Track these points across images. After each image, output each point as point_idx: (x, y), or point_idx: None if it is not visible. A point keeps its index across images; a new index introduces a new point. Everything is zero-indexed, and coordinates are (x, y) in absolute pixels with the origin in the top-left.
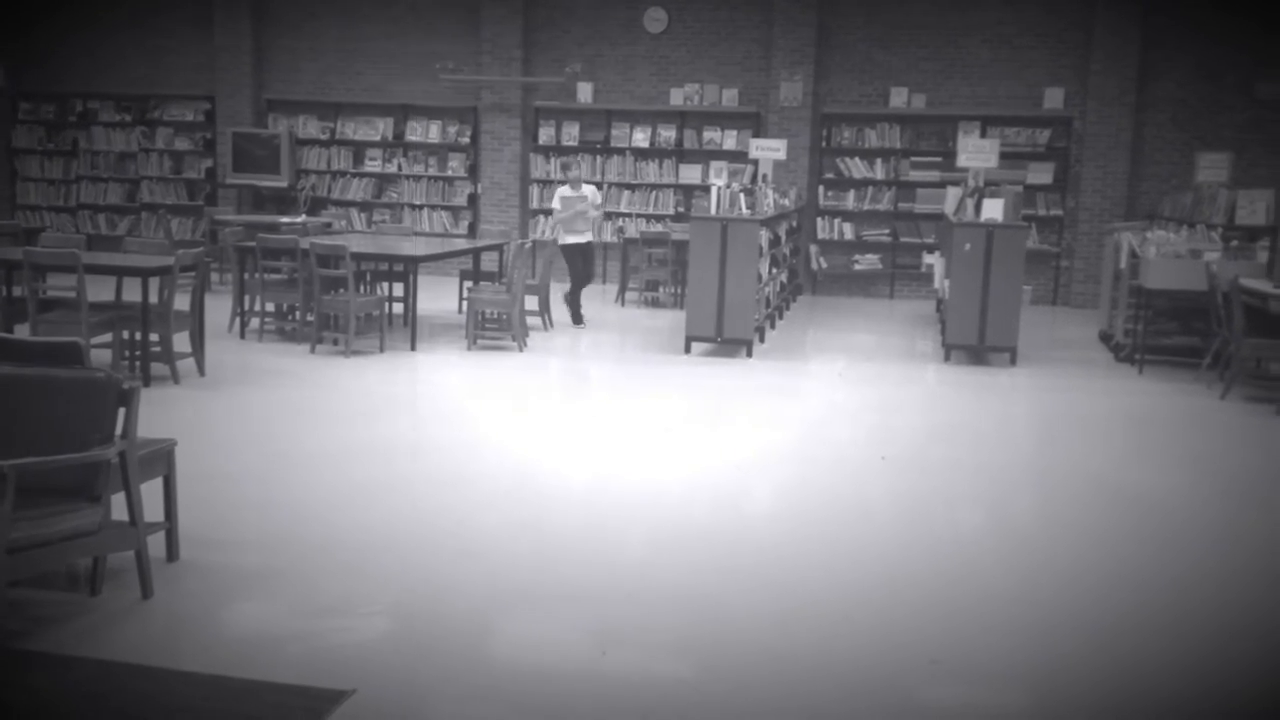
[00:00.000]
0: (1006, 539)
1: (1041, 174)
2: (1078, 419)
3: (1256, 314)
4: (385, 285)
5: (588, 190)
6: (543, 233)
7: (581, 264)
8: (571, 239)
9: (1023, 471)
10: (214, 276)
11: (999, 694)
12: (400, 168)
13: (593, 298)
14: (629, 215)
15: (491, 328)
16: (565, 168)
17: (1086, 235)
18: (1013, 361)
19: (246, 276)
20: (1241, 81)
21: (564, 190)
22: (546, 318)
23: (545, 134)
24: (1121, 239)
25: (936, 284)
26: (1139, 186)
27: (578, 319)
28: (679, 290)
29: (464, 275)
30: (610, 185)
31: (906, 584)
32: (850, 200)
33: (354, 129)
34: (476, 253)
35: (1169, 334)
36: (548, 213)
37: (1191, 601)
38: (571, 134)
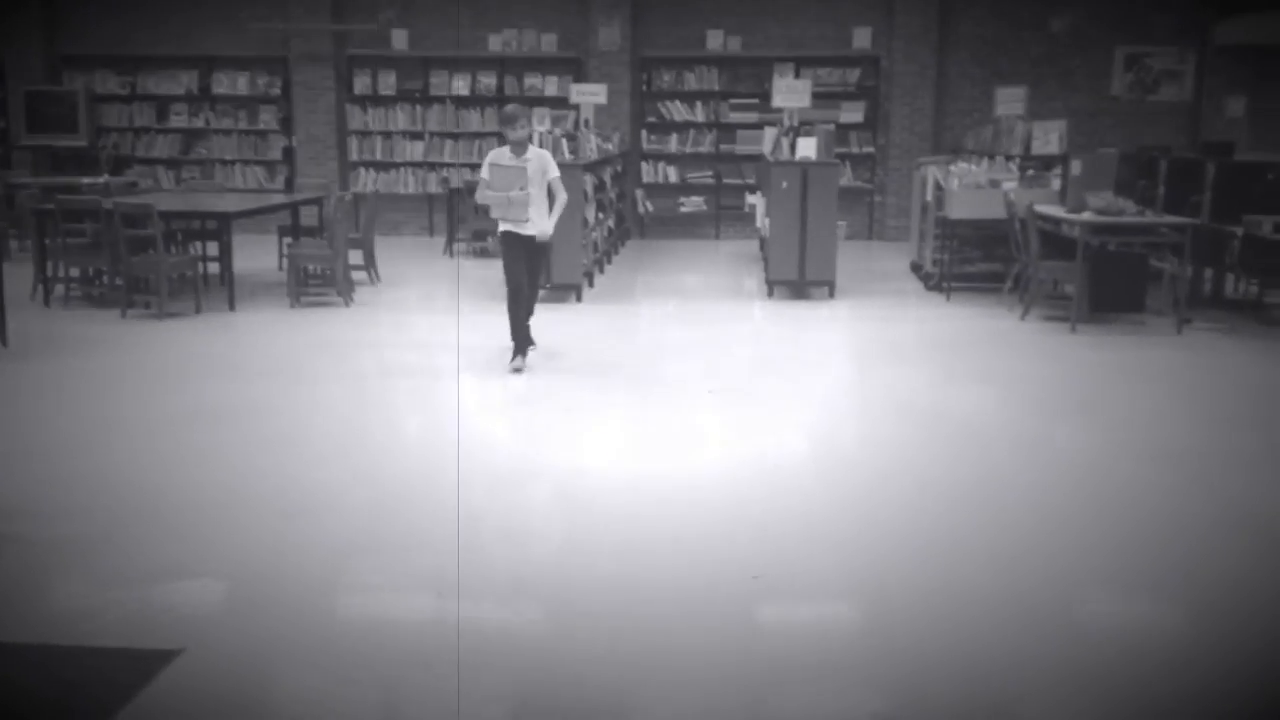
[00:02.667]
0: (828, 460)
1: (853, 113)
2: (892, 345)
3: (1051, 238)
4: (199, 245)
5: (534, 156)
6: (363, 186)
7: (523, 266)
8: (506, 227)
9: (842, 396)
10: (13, 244)
11: (822, 605)
12: (208, 122)
13: (420, 250)
14: (453, 165)
15: (315, 284)
16: (508, 121)
17: (897, 171)
18: (831, 295)
19: (47, 242)
20: (1035, 17)
21: (496, 155)
22: (372, 272)
23: (360, 84)
24: (927, 173)
25: (758, 223)
26: (944, 122)
27: (521, 344)
28: None
29: (282, 231)
30: (431, 135)
31: (734, 506)
32: (673, 143)
33: (156, 83)
34: (295, 207)
35: (973, 261)
36: (369, 165)
37: (1001, 506)
38: (388, 83)
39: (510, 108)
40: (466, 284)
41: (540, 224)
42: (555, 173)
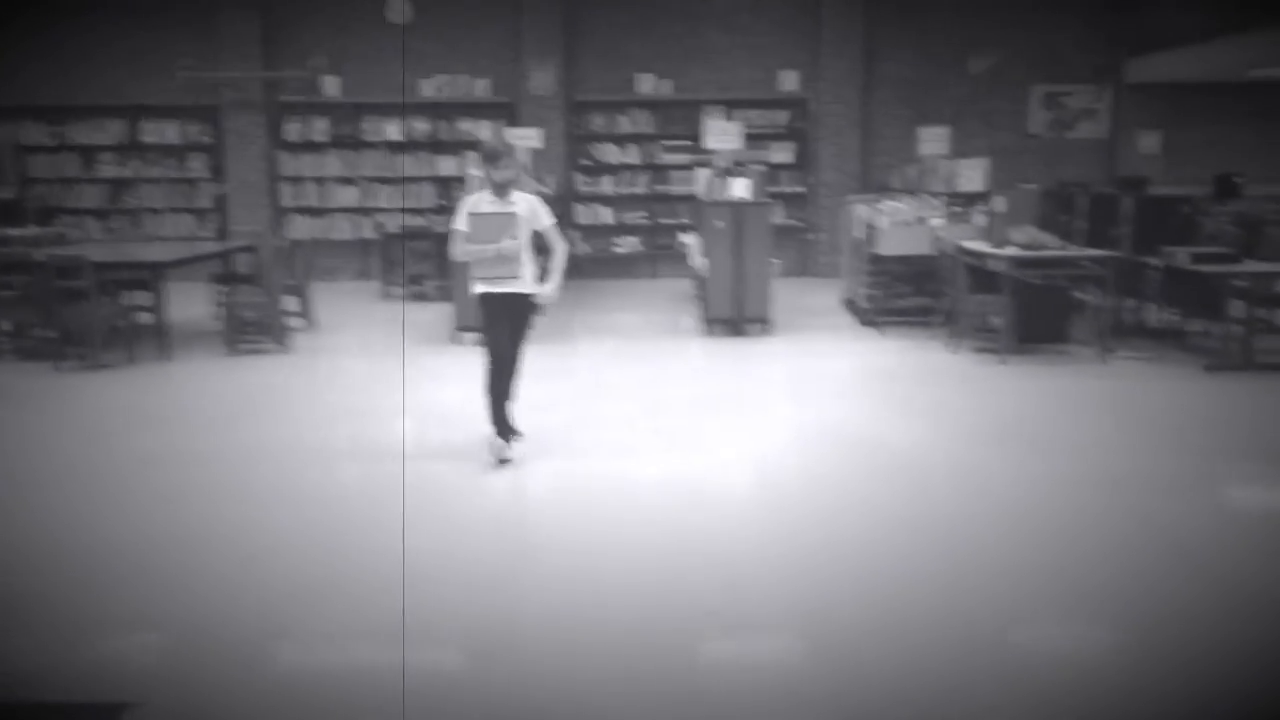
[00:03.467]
0: (771, 492)
1: (783, 153)
2: (830, 380)
3: (978, 273)
4: (130, 295)
5: (521, 203)
6: (297, 232)
7: (506, 335)
8: (489, 288)
9: (783, 430)
10: None
11: (770, 638)
12: (136, 171)
13: (356, 296)
14: (387, 210)
15: (251, 332)
16: (491, 158)
17: (827, 209)
18: (768, 331)
19: None
20: (956, 59)
21: (474, 201)
22: (309, 318)
23: (292, 130)
24: (857, 211)
25: (694, 262)
26: (871, 161)
27: (503, 430)
28: (444, 283)
29: (216, 279)
30: (365, 180)
31: (684, 544)
32: (607, 185)
33: (84, 132)
34: (228, 255)
35: (904, 296)
36: (303, 211)
37: (940, 533)
38: (320, 129)
39: (492, 142)
40: (406, 327)
41: (534, 283)
42: (549, 220)
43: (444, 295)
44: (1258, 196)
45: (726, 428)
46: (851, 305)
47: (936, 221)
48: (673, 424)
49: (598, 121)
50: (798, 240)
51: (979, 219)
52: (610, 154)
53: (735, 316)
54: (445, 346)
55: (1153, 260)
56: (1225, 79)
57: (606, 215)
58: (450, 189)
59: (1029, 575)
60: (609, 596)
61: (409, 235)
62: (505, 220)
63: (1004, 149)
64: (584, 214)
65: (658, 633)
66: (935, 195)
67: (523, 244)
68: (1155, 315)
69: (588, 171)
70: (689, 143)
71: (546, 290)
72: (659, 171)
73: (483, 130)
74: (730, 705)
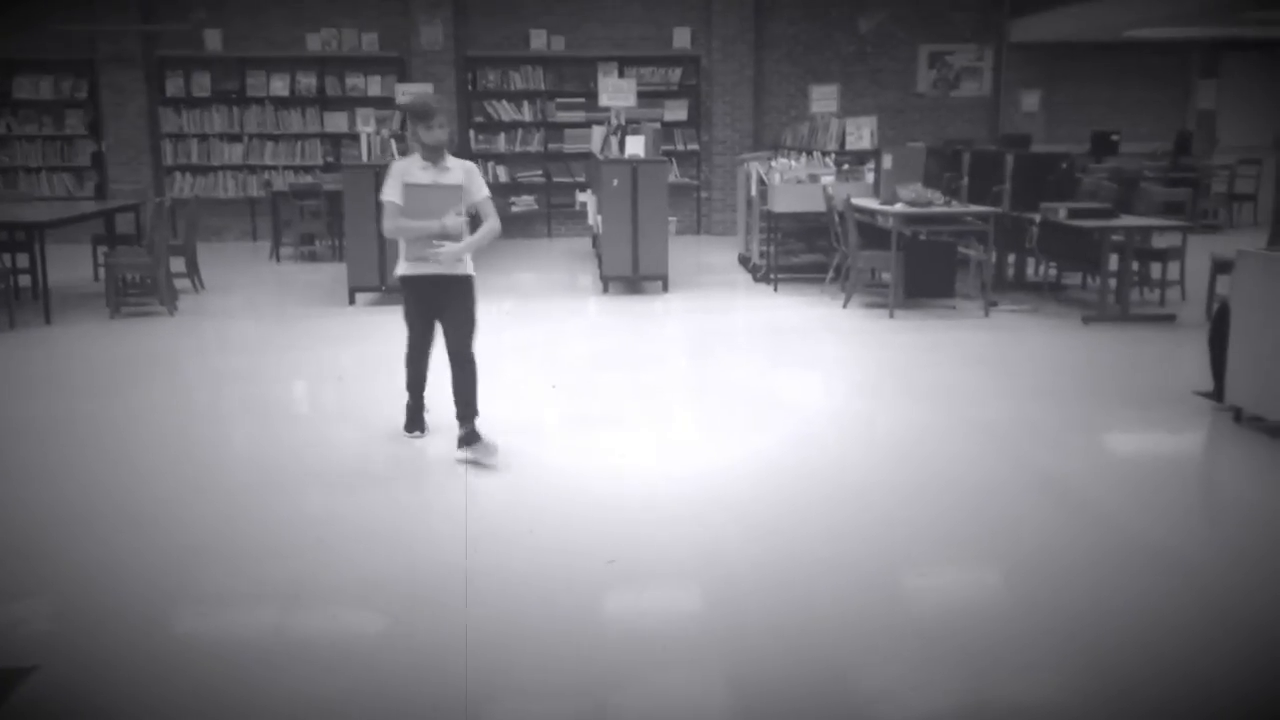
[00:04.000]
0: (667, 445)
1: (677, 111)
2: (726, 335)
3: (868, 229)
4: (8, 257)
5: (456, 167)
6: (180, 191)
7: (426, 318)
8: (414, 269)
9: (680, 385)
10: None
11: (670, 587)
12: (10, 128)
13: (243, 256)
14: (275, 168)
15: (135, 294)
16: (421, 116)
17: (721, 167)
18: (665, 288)
19: None
20: (845, 18)
21: (403, 168)
22: (196, 279)
23: (173, 86)
24: (750, 169)
25: (590, 220)
26: (763, 119)
27: (415, 419)
28: (336, 242)
29: (97, 240)
30: (250, 137)
31: (581, 496)
32: (501, 143)
33: None
34: (109, 214)
35: (797, 253)
36: (186, 169)
37: (833, 481)
38: (203, 85)
39: (421, 97)
40: (296, 288)
41: (443, 262)
42: (485, 191)
43: (337, 255)
44: (1133, 154)
45: (624, 384)
46: (746, 262)
47: (828, 179)
48: (571, 381)
49: (490, 78)
50: (692, 198)
51: (869, 176)
52: (504, 111)
53: (632, 274)
54: (340, 308)
55: (1032, 216)
56: (1102, 39)
57: (501, 173)
58: (339, 145)
59: (915, 519)
60: (515, 547)
61: (298, 193)
62: (448, 194)
63: (892, 107)
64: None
65: (555, 580)
66: (826, 153)
67: (465, 220)
68: (1035, 269)
69: (482, 129)
70: (583, 100)
71: (438, 269)
72: (554, 129)
73: (372, 86)
74: (621, 653)
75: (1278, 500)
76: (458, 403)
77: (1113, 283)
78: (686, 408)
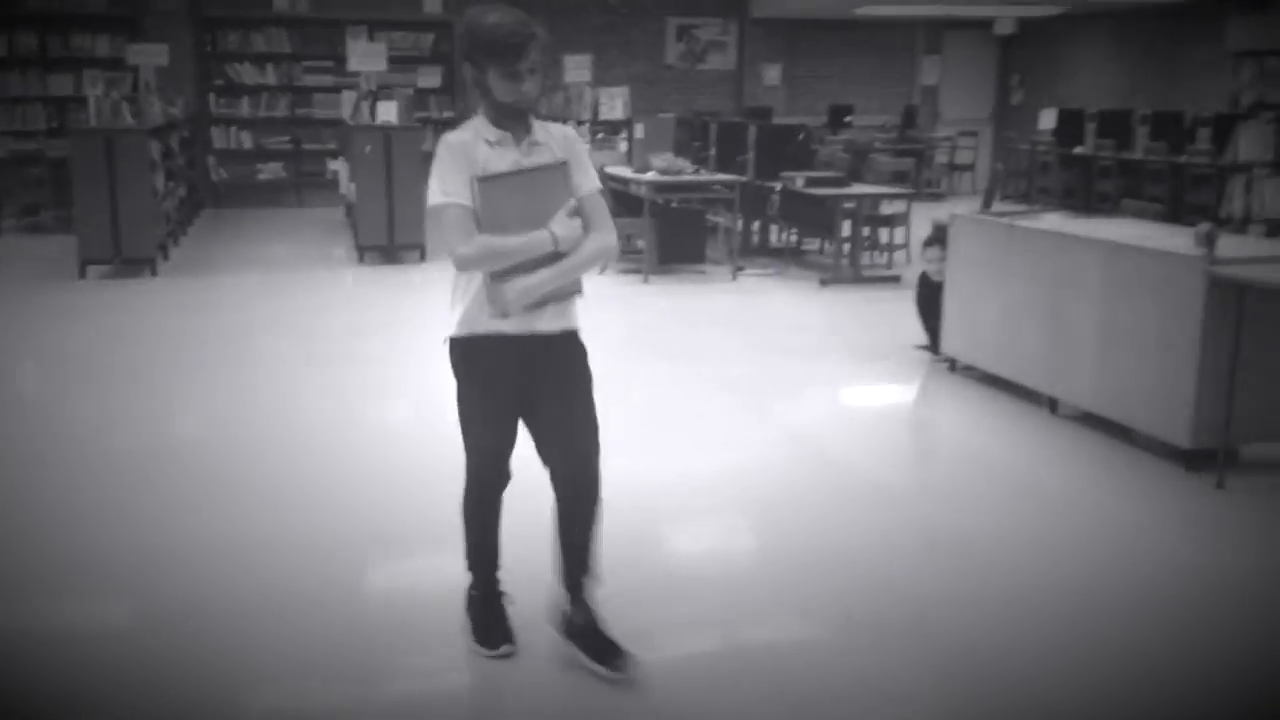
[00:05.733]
0: (429, 414)
1: (430, 77)
2: None
3: (622, 197)
4: None
5: (551, 140)
6: None
7: (514, 412)
8: (494, 326)
9: (436, 352)
10: None
11: (435, 557)
12: None
13: None
14: None
15: None
16: (494, 52)
17: None
18: (423, 258)
19: None
20: None
21: (465, 147)
22: None
23: None
24: None
25: (343, 189)
26: None
27: (496, 620)
28: (65, 212)
29: None
30: None
31: (343, 465)
32: (245, 108)
33: None
34: None
35: None
36: None
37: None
38: None
39: (493, 12)
40: (20, 261)
41: (564, 316)
42: (595, 179)
43: (65, 226)
44: (865, 126)
45: (383, 354)
46: None
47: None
48: (327, 351)
49: (231, 39)
50: None
51: (622, 145)
52: (247, 75)
53: (389, 244)
54: (69, 282)
55: (773, 184)
56: (837, 16)
57: (246, 140)
58: (65, 109)
59: (666, 469)
60: (279, 519)
61: (20, 160)
62: (552, 180)
63: (643, 78)
64: (220, 138)
65: (321, 551)
66: (581, 122)
67: (580, 224)
68: (777, 235)
69: (222, 93)
70: (331, 64)
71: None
72: (301, 94)
73: (100, 46)
74: (399, 630)
75: (986, 438)
76: (568, 559)
77: (846, 247)
78: (445, 374)
